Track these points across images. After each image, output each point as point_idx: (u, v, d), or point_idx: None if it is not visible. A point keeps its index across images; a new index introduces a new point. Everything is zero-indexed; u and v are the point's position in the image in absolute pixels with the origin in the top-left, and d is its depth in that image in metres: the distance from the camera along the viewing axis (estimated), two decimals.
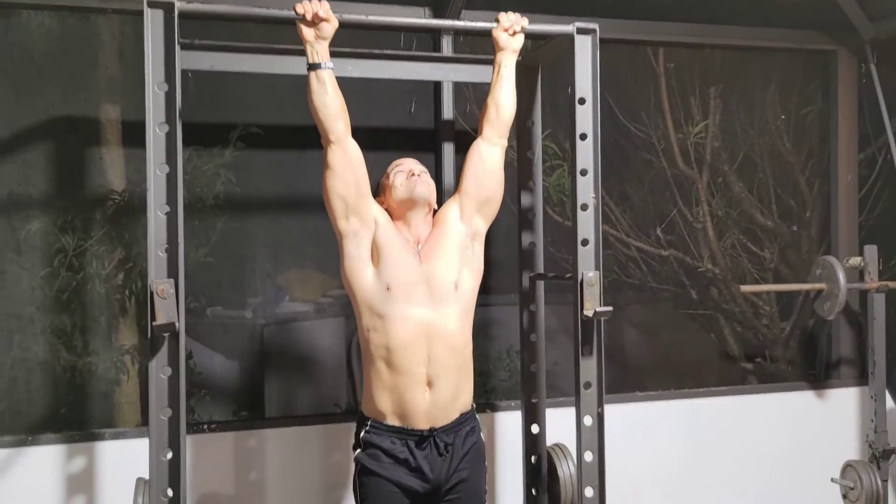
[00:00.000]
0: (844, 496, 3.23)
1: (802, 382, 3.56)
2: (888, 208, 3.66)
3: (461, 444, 2.23)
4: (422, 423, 2.17)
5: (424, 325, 2.18)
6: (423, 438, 2.18)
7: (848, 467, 3.22)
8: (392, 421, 2.19)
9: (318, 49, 2.13)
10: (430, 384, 2.18)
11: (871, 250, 3.26)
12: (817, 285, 3.28)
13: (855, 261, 3.26)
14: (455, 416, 2.23)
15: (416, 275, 2.20)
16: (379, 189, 2.35)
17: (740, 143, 3.52)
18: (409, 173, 2.30)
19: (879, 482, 3.12)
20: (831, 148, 3.61)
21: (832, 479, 3.26)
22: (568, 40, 2.37)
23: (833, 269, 3.20)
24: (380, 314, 2.17)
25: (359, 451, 2.23)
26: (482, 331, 3.15)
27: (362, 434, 2.22)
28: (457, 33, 3.03)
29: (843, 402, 3.55)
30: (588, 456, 2.36)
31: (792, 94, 3.58)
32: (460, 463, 2.22)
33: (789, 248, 3.60)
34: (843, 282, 3.16)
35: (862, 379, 3.54)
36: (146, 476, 2.08)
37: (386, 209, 2.29)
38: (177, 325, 2.01)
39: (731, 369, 3.54)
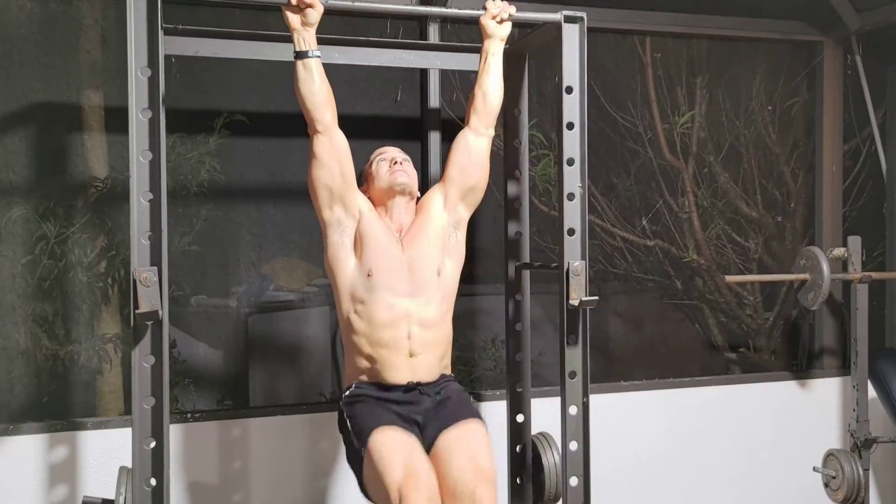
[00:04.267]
0: (826, 485, 3.26)
1: (785, 372, 3.58)
2: (872, 200, 3.68)
3: (445, 392, 2.26)
4: (404, 380, 2.20)
5: (405, 311, 2.20)
6: (408, 389, 2.20)
7: (830, 456, 3.25)
8: (374, 380, 2.21)
9: (305, 36, 2.12)
10: (411, 354, 2.21)
11: (855, 241, 3.28)
12: (801, 276, 3.30)
13: (839, 251, 3.28)
14: (437, 375, 2.27)
15: (398, 262, 2.21)
16: (362, 177, 2.35)
17: (726, 134, 3.52)
18: (391, 161, 2.31)
19: (861, 471, 3.15)
20: (816, 139, 3.62)
21: (814, 468, 3.29)
22: (555, 28, 2.36)
23: (817, 259, 3.22)
24: (361, 300, 2.20)
25: (345, 415, 2.21)
26: (467, 320, 3.15)
27: (346, 393, 2.23)
28: (444, 21, 3.01)
29: (826, 392, 3.58)
30: (573, 445, 2.37)
31: (777, 84, 3.59)
32: (447, 400, 2.23)
33: (774, 239, 3.61)
34: (827, 272, 3.17)
35: (844, 369, 3.57)
36: (129, 465, 2.07)
37: (368, 197, 2.30)
38: (160, 313, 1.99)
39: (715, 359, 3.56)
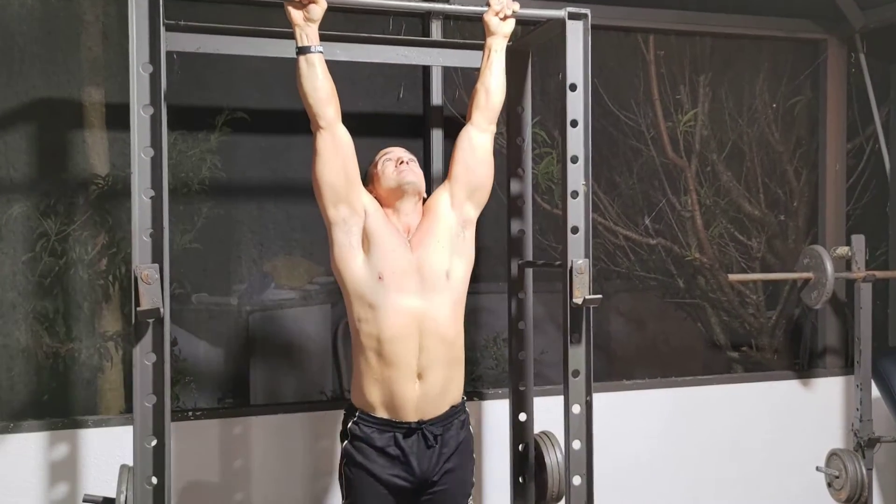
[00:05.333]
0: (829, 484, 3.25)
1: (788, 371, 3.57)
2: (876, 198, 3.67)
3: (450, 437, 2.22)
4: (411, 416, 2.16)
5: (416, 315, 2.15)
6: (412, 430, 2.16)
7: (833, 456, 3.24)
8: (381, 413, 2.17)
9: (308, 32, 2.10)
10: (420, 376, 2.16)
11: (859, 240, 3.27)
12: (805, 274, 3.29)
13: (842, 250, 3.27)
14: (445, 408, 2.22)
15: (408, 263, 2.17)
16: (367, 178, 2.32)
17: (729, 132, 3.51)
18: (397, 161, 2.28)
19: (864, 471, 3.14)
20: (819, 137, 3.61)
21: (817, 468, 3.28)
22: (559, 25, 2.35)
23: (820, 258, 3.21)
24: (371, 304, 2.15)
25: (346, 442, 2.21)
26: (470, 318, 3.14)
27: (350, 424, 2.20)
28: (447, 17, 3.00)
29: (829, 391, 3.57)
30: (576, 444, 2.36)
31: (781, 83, 3.58)
32: (449, 458, 2.21)
33: (776, 238, 3.60)
34: (831, 271, 3.16)
35: (847, 368, 3.56)
36: (130, 463, 2.06)
37: (375, 198, 2.27)
38: (161, 310, 1.98)
39: (717, 358, 3.55)
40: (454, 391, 2.25)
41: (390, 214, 2.26)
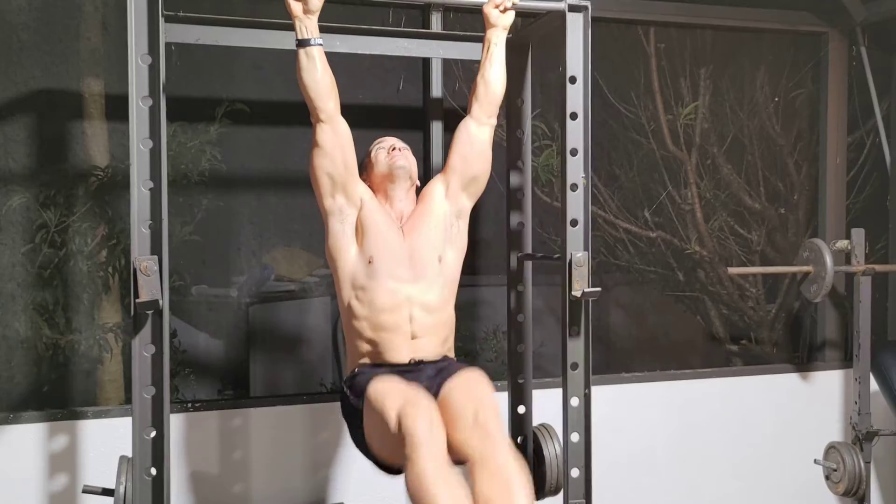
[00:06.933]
0: (827, 477, 3.26)
1: (787, 365, 3.57)
2: (876, 192, 3.67)
3: (447, 363, 2.24)
4: (407, 358, 2.18)
5: (406, 297, 2.19)
6: (410, 366, 2.18)
7: (831, 449, 3.24)
8: (376, 361, 2.20)
9: (307, 24, 2.10)
10: (413, 337, 2.19)
11: (859, 233, 3.26)
12: (804, 268, 3.28)
13: (842, 244, 3.26)
14: (439, 356, 2.24)
15: (399, 249, 2.21)
16: (362, 166, 2.35)
17: (729, 125, 3.51)
18: (390, 148, 2.31)
19: (862, 464, 3.14)
20: (820, 131, 3.60)
21: (815, 461, 3.29)
22: (559, 17, 2.35)
23: (820, 251, 3.20)
24: (363, 286, 2.19)
25: (347, 391, 2.20)
26: (469, 312, 3.14)
27: (346, 377, 2.23)
28: (447, 9, 2.99)
29: (828, 385, 3.57)
30: (574, 437, 2.36)
31: (782, 75, 3.57)
32: (449, 366, 2.21)
33: (776, 231, 3.60)
34: (830, 265, 3.16)
35: (846, 361, 3.56)
36: (130, 454, 2.07)
37: (369, 186, 2.30)
38: (160, 302, 1.98)
39: (716, 351, 3.55)
40: (448, 345, 2.29)
41: (383, 202, 2.30)
